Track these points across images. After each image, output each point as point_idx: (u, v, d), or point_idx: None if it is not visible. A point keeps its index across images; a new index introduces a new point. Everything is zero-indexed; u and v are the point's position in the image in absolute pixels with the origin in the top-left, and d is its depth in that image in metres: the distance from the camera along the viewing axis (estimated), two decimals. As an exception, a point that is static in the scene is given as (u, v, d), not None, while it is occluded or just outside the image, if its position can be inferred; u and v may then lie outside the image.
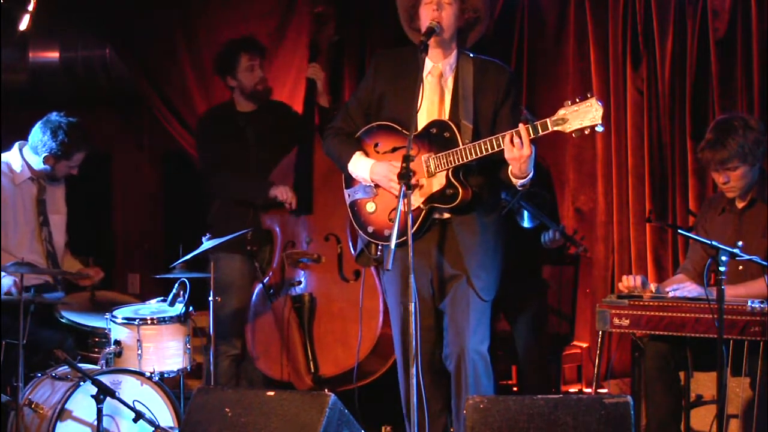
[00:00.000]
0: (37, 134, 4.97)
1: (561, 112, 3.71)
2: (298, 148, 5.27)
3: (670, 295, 4.13)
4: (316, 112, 5.35)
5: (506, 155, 3.79)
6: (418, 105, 3.93)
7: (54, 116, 4.99)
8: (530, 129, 3.74)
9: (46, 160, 4.95)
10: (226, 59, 5.36)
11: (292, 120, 5.43)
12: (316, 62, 5.38)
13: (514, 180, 3.89)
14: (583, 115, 3.67)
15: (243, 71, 5.32)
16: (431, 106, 4.06)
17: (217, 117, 5.45)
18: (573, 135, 3.73)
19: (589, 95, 3.69)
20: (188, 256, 4.75)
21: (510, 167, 3.85)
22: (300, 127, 5.31)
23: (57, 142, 4.92)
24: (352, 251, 5.08)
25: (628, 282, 4.21)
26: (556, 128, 3.72)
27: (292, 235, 5.25)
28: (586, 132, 3.70)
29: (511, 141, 3.77)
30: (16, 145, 5.05)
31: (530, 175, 3.86)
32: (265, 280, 5.22)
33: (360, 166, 4.10)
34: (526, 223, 5.00)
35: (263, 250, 5.32)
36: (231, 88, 5.38)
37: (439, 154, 3.93)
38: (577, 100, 3.69)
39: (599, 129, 3.69)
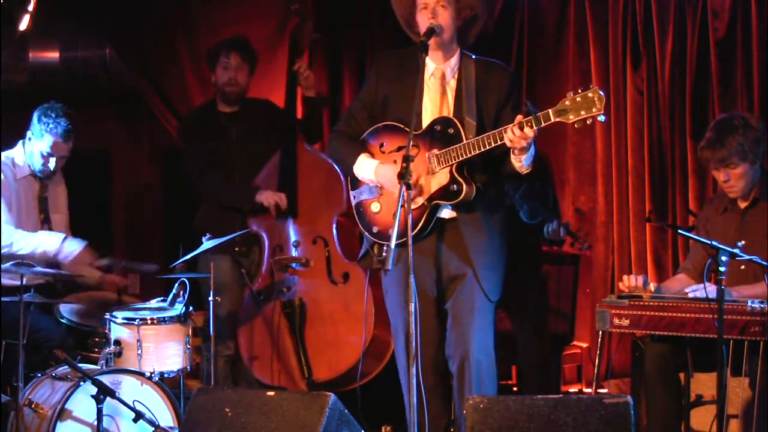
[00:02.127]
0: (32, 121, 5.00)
1: (563, 103, 3.71)
2: (280, 152, 5.27)
3: (690, 296, 4.12)
4: (300, 103, 5.38)
5: (508, 143, 3.80)
6: (420, 106, 3.94)
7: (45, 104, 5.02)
8: (533, 120, 3.74)
9: (29, 143, 4.96)
10: (210, 53, 5.41)
11: (278, 117, 5.42)
12: (299, 59, 5.39)
13: (517, 164, 3.89)
14: (585, 105, 3.67)
15: (218, 67, 5.35)
16: (434, 107, 4.07)
17: (199, 117, 5.47)
18: (575, 125, 3.72)
19: (591, 86, 3.69)
20: (188, 256, 4.76)
21: (512, 150, 3.85)
22: (283, 124, 5.31)
23: (38, 119, 4.94)
24: (340, 253, 5.09)
25: (629, 282, 4.20)
26: (558, 119, 3.72)
27: (280, 239, 5.25)
28: (588, 122, 3.69)
29: (513, 133, 3.78)
30: (21, 141, 5.06)
31: (531, 152, 3.86)
32: (253, 287, 5.21)
33: (365, 167, 4.10)
34: (528, 219, 5.00)
35: (251, 251, 5.33)
36: (214, 85, 5.40)
37: (443, 150, 3.94)
38: (579, 90, 3.69)
39: (601, 119, 3.69)
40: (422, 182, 3.97)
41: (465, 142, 3.89)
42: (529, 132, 3.74)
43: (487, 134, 3.84)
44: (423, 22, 3.98)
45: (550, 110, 3.73)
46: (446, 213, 4.06)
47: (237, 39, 5.47)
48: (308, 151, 5.28)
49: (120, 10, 6.11)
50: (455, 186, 3.94)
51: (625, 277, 4.26)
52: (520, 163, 3.88)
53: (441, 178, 3.97)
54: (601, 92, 3.66)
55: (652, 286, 4.21)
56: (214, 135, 5.34)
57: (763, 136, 4.23)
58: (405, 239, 3.66)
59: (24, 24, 6.05)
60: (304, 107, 5.42)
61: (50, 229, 5.08)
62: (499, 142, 3.81)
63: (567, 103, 3.70)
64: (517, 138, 3.75)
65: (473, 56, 4.12)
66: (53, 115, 4.91)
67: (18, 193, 4.98)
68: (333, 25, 6.18)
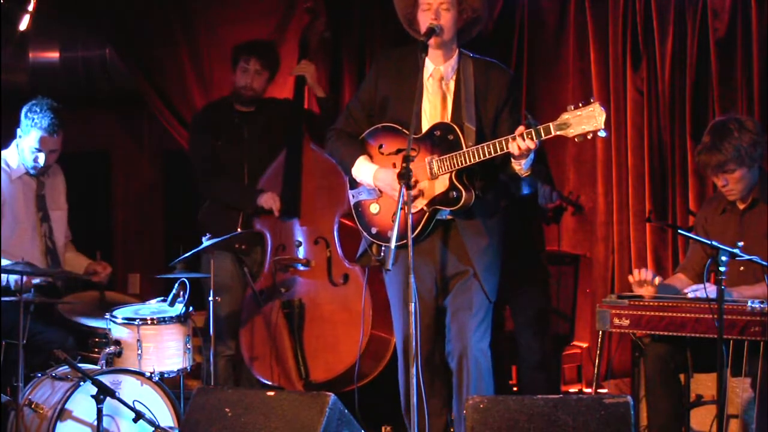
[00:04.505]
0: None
1: (564, 117, 3.71)
2: (286, 151, 5.28)
3: (690, 296, 4.12)
4: (315, 104, 5.41)
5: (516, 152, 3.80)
6: (419, 107, 3.94)
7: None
8: (533, 133, 3.75)
9: (20, 140, 4.95)
10: (233, 53, 5.41)
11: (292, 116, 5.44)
12: (306, 59, 5.40)
13: (516, 167, 3.89)
14: (586, 119, 3.68)
15: (238, 69, 5.35)
16: (433, 109, 4.07)
17: (213, 112, 5.46)
18: (576, 140, 3.74)
19: (592, 100, 3.70)
20: (188, 254, 4.76)
21: (512, 155, 3.86)
22: (291, 127, 5.32)
23: (24, 115, 4.94)
24: (341, 254, 5.09)
25: (640, 275, 4.19)
26: (558, 132, 3.73)
27: (282, 238, 5.25)
28: (589, 137, 3.71)
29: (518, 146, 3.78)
30: (15, 141, 5.05)
31: (531, 156, 3.87)
32: (256, 287, 5.21)
33: (363, 171, 4.11)
34: (523, 190, 4.98)
35: (254, 250, 5.33)
36: (233, 85, 5.41)
37: (443, 157, 3.94)
38: (581, 104, 3.70)
39: (602, 134, 3.70)
40: (422, 186, 3.97)
41: (465, 149, 3.90)
42: (531, 144, 3.75)
43: (487, 143, 3.85)
44: (424, 22, 3.98)
45: (551, 124, 3.74)
46: (445, 214, 4.06)
47: (260, 43, 5.48)
48: (313, 150, 5.28)
49: (120, 10, 6.11)
50: (455, 193, 3.95)
51: (635, 270, 4.24)
52: (520, 167, 3.90)
53: (440, 183, 3.97)
54: (602, 107, 3.66)
55: (657, 280, 4.21)
56: (225, 133, 5.34)
57: (760, 139, 4.22)
58: (405, 241, 3.66)
59: (24, 24, 6.05)
60: (319, 107, 5.43)
61: (49, 226, 5.07)
62: (499, 152, 3.82)
63: (567, 117, 3.70)
64: (517, 150, 3.77)
65: (471, 55, 4.12)
66: (38, 110, 4.92)
67: (15, 193, 4.98)
68: (333, 26, 6.17)
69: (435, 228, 4.05)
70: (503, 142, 3.80)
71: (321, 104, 5.40)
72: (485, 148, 3.84)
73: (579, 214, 5.20)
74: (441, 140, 3.98)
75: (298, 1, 6.00)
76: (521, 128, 3.78)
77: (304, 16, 5.64)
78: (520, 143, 3.74)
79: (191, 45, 6.20)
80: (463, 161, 3.89)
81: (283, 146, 5.31)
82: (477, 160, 3.86)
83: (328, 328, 5.08)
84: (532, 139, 3.75)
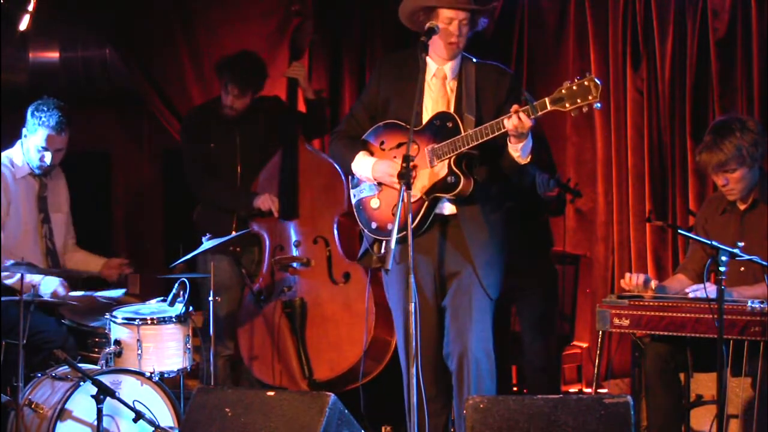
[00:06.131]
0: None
1: (559, 91, 3.72)
2: (281, 151, 5.28)
3: (690, 296, 4.12)
4: (305, 105, 5.41)
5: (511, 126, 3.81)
6: (420, 105, 3.96)
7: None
8: (530, 110, 3.75)
9: (25, 140, 4.95)
10: (216, 67, 5.41)
11: (283, 115, 5.43)
12: (297, 61, 5.40)
13: (514, 153, 3.88)
14: (581, 92, 3.68)
15: (221, 87, 5.34)
16: (435, 105, 4.09)
17: (203, 115, 5.46)
18: (572, 114, 3.74)
19: (587, 74, 3.70)
20: (188, 256, 4.76)
21: (509, 138, 3.86)
22: (284, 128, 5.32)
23: (31, 114, 4.95)
24: (341, 253, 5.09)
25: (631, 280, 4.20)
26: (554, 107, 3.73)
27: (281, 239, 5.26)
28: (584, 110, 3.70)
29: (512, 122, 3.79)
30: (19, 141, 5.05)
31: (529, 141, 3.87)
32: (255, 287, 5.21)
33: (362, 165, 4.13)
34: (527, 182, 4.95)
35: (250, 251, 5.33)
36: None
37: (441, 144, 3.95)
38: (576, 79, 3.70)
39: (597, 106, 3.69)
40: (421, 176, 3.98)
41: (462, 135, 3.90)
42: (526, 121, 3.75)
43: (484, 126, 3.87)
44: (444, 34, 3.99)
45: (546, 99, 3.74)
46: (447, 209, 4.07)
47: (239, 64, 5.32)
48: (309, 151, 5.30)
49: (120, 10, 6.11)
50: (452, 178, 3.96)
51: (627, 274, 4.25)
52: (518, 153, 3.90)
53: (439, 171, 3.99)
54: (597, 80, 3.67)
55: (653, 284, 4.20)
56: (217, 135, 5.33)
57: (761, 139, 4.22)
58: (404, 233, 3.65)
59: (24, 24, 6.06)
60: (306, 108, 5.44)
61: (50, 227, 5.07)
62: (496, 132, 3.82)
63: (563, 91, 3.71)
64: (512, 127, 3.77)
65: (474, 60, 4.14)
66: (45, 109, 4.92)
67: (18, 193, 4.98)
68: (333, 26, 6.18)
69: (434, 222, 4.05)
70: (500, 123, 3.81)
71: (309, 106, 5.40)
72: (482, 130, 3.86)
73: (579, 199, 5.15)
74: (440, 128, 4.00)
75: (288, 4, 6.00)
76: (516, 106, 3.78)
77: (293, 19, 5.63)
78: (514, 120, 3.75)
79: (191, 45, 6.21)
80: (461, 145, 3.90)
81: (275, 147, 5.31)
82: (475, 142, 3.87)
83: (330, 326, 5.09)
84: (528, 115, 3.75)
